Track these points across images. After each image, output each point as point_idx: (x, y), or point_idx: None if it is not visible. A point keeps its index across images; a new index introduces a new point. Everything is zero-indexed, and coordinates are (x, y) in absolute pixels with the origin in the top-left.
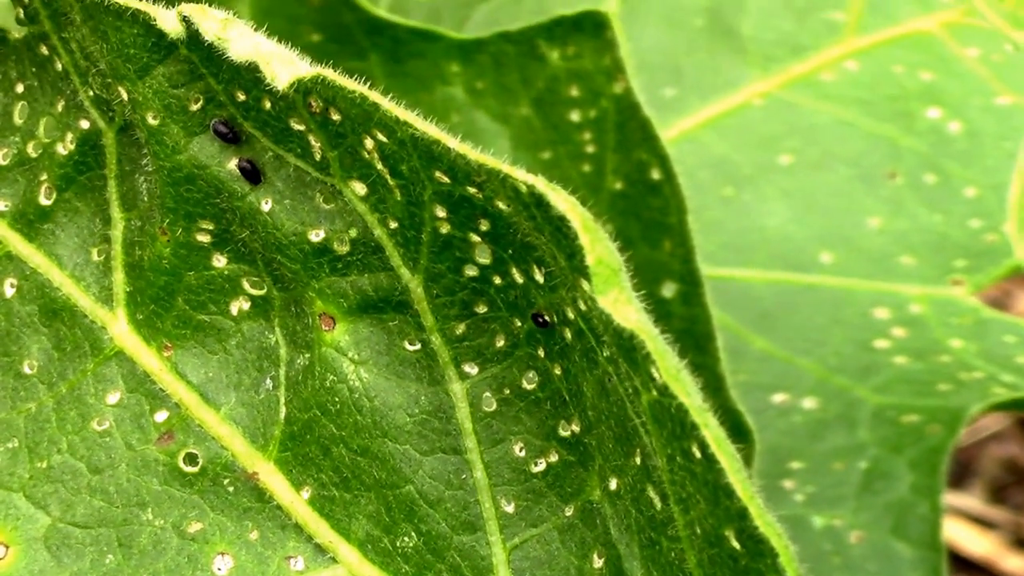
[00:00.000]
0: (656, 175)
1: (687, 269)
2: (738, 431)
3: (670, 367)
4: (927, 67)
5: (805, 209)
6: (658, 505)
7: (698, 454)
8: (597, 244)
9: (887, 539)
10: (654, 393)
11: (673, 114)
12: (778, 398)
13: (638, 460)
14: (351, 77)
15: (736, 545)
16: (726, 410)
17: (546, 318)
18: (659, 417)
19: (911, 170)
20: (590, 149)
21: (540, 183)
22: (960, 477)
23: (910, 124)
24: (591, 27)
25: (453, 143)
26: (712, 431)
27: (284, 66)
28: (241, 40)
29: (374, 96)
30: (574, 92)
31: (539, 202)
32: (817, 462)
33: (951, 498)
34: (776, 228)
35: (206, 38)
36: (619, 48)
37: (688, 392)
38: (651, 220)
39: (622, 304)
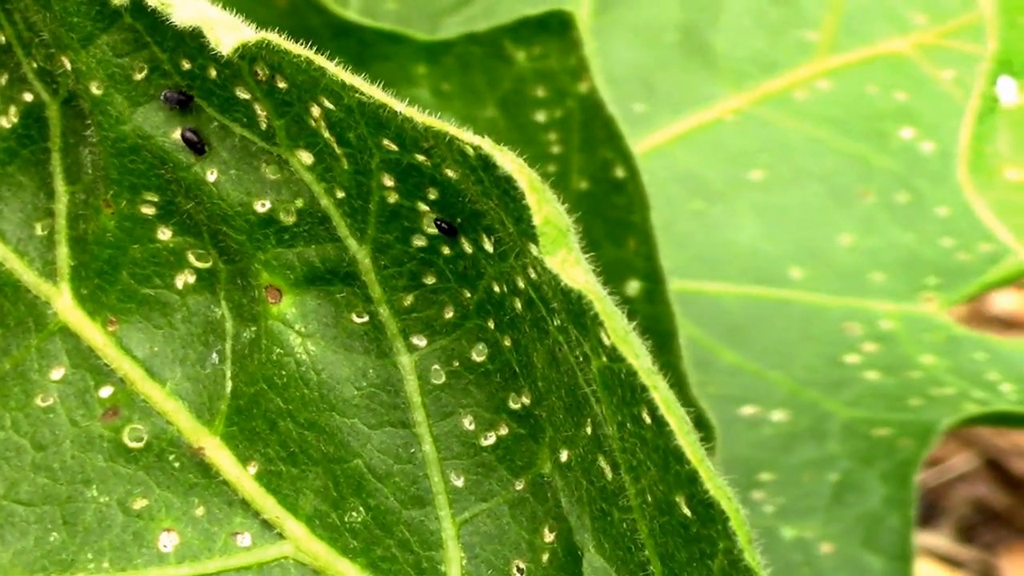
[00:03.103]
0: (620, 173)
1: (650, 267)
2: (699, 425)
3: (619, 328)
4: (901, 87)
5: (776, 225)
6: (609, 475)
7: (648, 419)
8: (544, 204)
9: (858, 551)
10: (604, 359)
11: (644, 129)
12: (748, 410)
13: (589, 430)
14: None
15: (687, 512)
16: (688, 407)
17: (448, 224)
18: (609, 383)
19: (883, 189)
20: (556, 150)
21: (487, 144)
22: (929, 516)
23: (883, 143)
24: (557, 26)
25: (400, 107)
26: (661, 393)
27: (228, 31)
28: (185, 6)
29: (320, 60)
30: (540, 92)
31: (486, 164)
32: (787, 474)
33: (920, 537)
34: (747, 243)
35: (150, 4)
36: (584, 47)
37: (637, 354)
38: (616, 219)
39: (570, 265)
